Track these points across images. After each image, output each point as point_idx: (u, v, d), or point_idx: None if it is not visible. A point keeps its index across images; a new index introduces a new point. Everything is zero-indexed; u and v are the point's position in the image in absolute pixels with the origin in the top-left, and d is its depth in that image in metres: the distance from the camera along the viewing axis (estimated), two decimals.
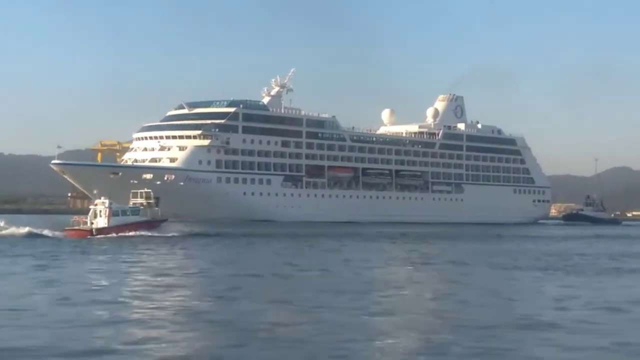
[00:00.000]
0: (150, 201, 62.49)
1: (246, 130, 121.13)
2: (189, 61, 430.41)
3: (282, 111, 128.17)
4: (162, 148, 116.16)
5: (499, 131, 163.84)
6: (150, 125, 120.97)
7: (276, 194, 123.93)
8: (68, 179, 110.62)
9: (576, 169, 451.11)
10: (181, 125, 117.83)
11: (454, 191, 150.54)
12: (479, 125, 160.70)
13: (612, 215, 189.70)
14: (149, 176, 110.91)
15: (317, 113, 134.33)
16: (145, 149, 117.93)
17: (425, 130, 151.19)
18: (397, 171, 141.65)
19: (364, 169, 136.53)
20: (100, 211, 57.88)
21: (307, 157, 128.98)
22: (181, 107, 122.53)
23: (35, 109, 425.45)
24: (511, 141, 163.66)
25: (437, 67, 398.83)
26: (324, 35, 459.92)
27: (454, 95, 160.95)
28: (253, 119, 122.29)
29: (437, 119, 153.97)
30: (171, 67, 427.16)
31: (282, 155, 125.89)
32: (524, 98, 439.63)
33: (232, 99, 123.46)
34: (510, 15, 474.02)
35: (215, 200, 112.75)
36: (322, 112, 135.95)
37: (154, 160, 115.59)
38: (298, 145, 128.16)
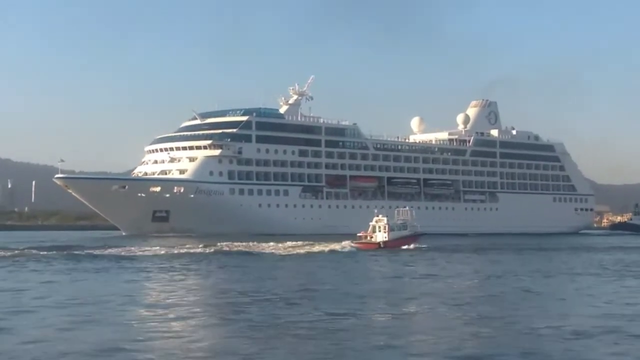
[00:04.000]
0: (413, 216, 71.13)
1: (260, 139, 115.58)
2: (206, 73, 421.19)
3: (300, 119, 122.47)
4: (172, 160, 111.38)
5: (536, 137, 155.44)
6: (162, 137, 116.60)
7: (294, 205, 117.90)
8: (73, 193, 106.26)
9: None
10: (192, 135, 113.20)
11: (487, 200, 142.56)
12: (514, 132, 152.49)
13: None
14: (157, 189, 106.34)
15: (337, 121, 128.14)
16: (156, 162, 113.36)
17: (455, 137, 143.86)
18: (425, 180, 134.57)
19: (389, 179, 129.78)
20: (380, 227, 66.22)
21: (327, 166, 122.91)
22: (194, 118, 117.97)
23: (99, 126, 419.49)
24: (549, 147, 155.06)
25: (471, 72, 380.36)
26: (344, 41, 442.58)
27: (487, 100, 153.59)
28: (267, 127, 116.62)
29: (468, 126, 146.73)
30: (190, 79, 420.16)
31: (300, 165, 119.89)
32: (577, 104, 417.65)
33: (247, 107, 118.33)
34: (555, 13, 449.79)
35: (228, 213, 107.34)
36: (343, 120, 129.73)
37: (163, 172, 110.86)
38: (317, 154, 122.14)
